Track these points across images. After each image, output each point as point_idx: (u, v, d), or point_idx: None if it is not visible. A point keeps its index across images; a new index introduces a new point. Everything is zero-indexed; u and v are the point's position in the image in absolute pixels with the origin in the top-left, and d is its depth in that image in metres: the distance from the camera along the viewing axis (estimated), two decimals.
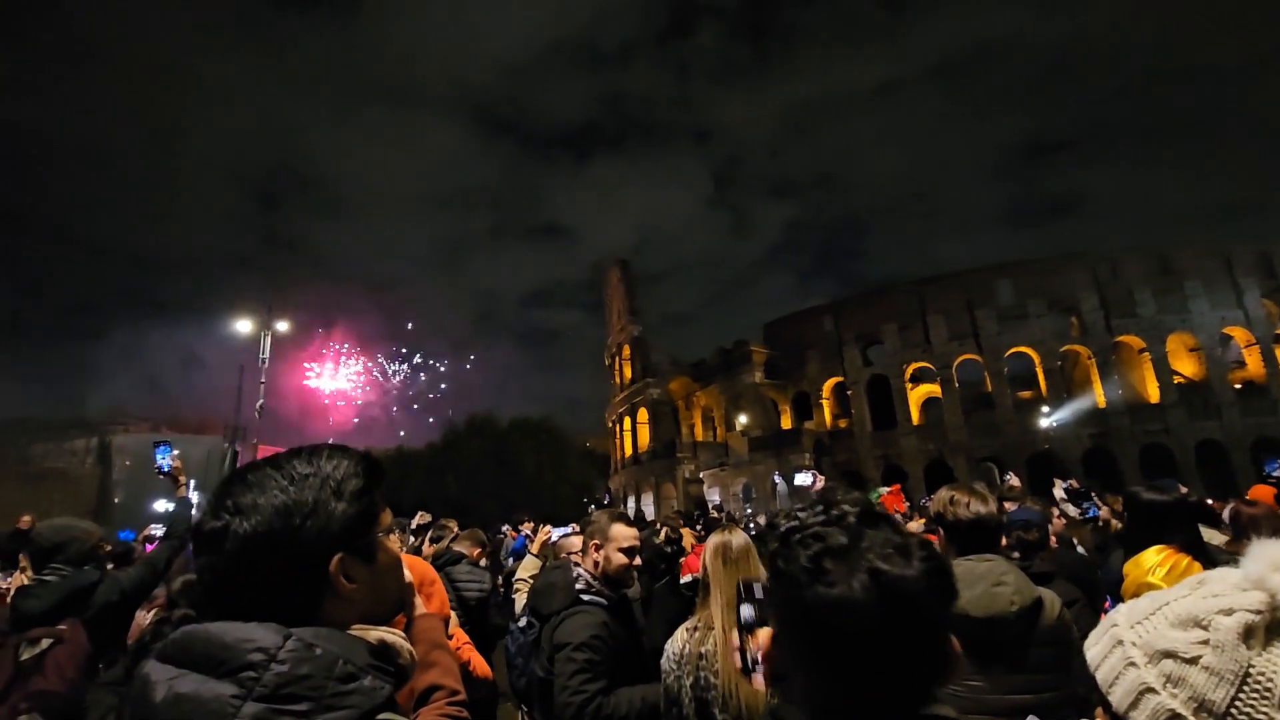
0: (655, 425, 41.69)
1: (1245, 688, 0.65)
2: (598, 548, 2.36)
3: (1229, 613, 0.68)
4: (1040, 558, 3.15)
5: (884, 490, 6.01)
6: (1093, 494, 5.73)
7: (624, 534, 2.34)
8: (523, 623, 3.38)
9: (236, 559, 0.76)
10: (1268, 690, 0.64)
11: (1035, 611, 1.84)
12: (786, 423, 37.52)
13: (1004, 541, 3.35)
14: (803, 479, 4.87)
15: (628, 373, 45.10)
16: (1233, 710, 0.65)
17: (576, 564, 2.49)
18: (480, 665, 2.04)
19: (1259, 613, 0.66)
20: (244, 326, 15.46)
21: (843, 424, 36.05)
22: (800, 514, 0.76)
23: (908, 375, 33.92)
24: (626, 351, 45.28)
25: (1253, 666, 0.65)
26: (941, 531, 2.06)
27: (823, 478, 4.46)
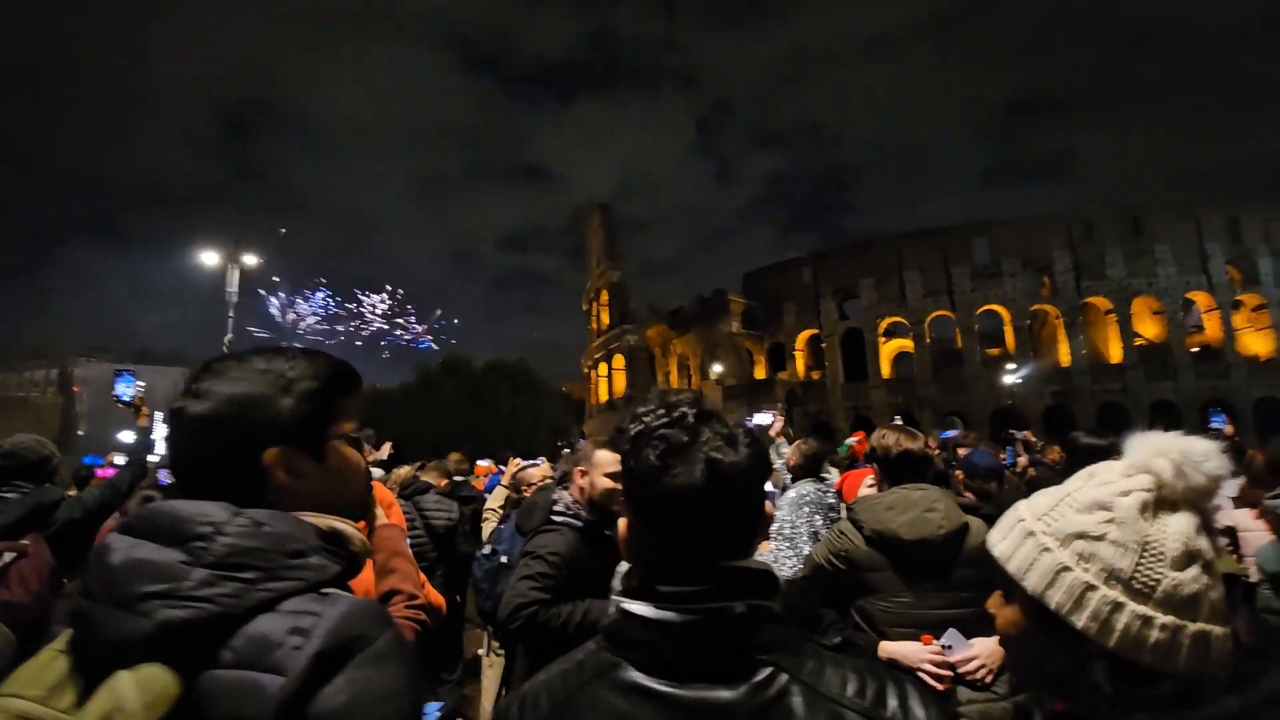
0: (631, 372, 41.91)
1: (1145, 554, 0.77)
2: (583, 474, 2.38)
3: (1127, 494, 0.80)
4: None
5: (852, 441, 6.25)
6: (1016, 439, 6.07)
7: (608, 459, 2.33)
8: (488, 549, 3.49)
9: (188, 438, 0.82)
10: (1161, 553, 0.76)
11: (961, 535, 1.99)
12: (761, 373, 37.99)
13: (963, 483, 3.59)
14: (762, 418, 5.02)
15: (605, 318, 44.96)
16: (1135, 573, 0.77)
17: (564, 488, 2.52)
18: (433, 595, 2.10)
19: (1150, 491, 0.79)
20: (210, 259, 14.98)
21: (815, 376, 36.61)
22: (645, 418, 0.82)
23: (881, 329, 34.37)
24: (605, 297, 45.01)
25: (1149, 536, 0.78)
26: (877, 465, 2.23)
27: (782, 418, 4.60)
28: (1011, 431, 7.27)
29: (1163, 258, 31.06)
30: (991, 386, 31.04)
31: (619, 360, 43.17)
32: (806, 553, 3.02)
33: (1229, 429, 8.68)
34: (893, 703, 0.69)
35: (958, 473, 4.63)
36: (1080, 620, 0.78)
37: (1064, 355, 31.53)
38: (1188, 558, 0.76)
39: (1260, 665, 0.77)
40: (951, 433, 8.57)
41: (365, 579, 1.56)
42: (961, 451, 5.99)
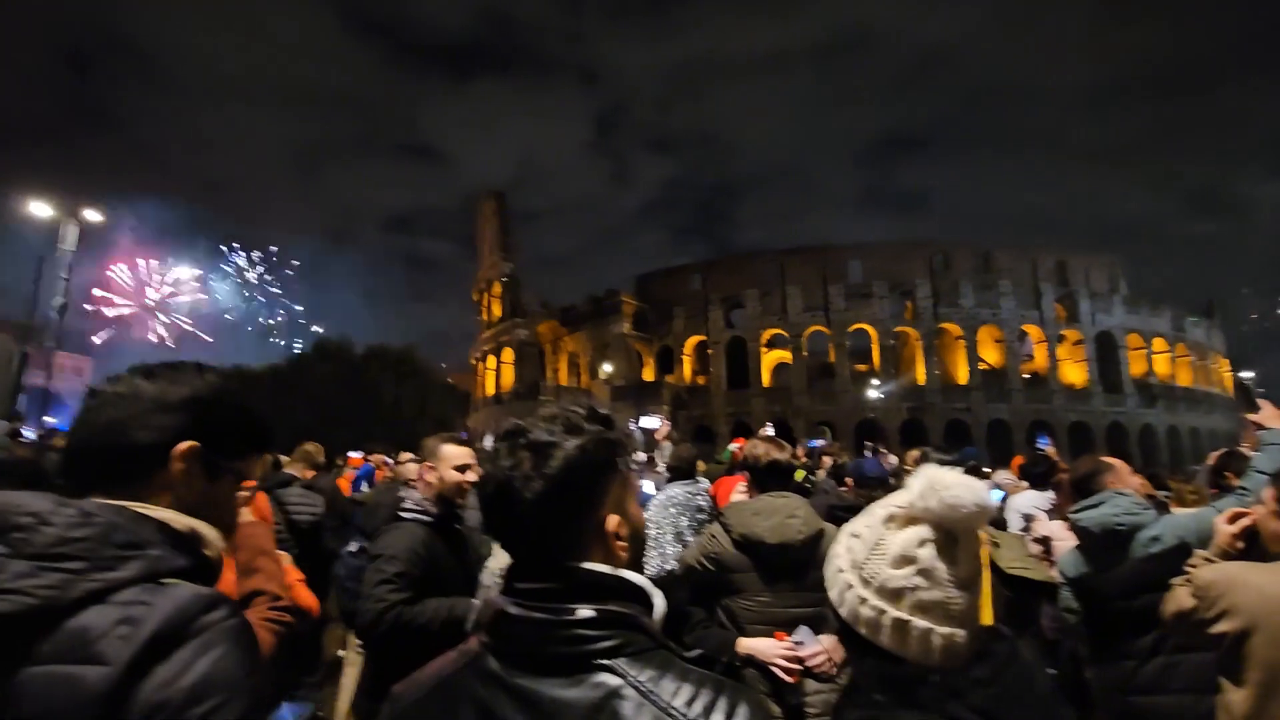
0: (520, 366, 41.27)
1: (874, 552, 0.99)
2: (431, 469, 2.37)
3: (885, 507, 1.03)
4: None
5: (734, 448, 6.50)
6: (879, 450, 6.65)
7: (455, 453, 2.34)
8: (354, 547, 3.38)
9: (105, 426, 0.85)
10: (884, 552, 0.98)
11: (818, 540, 2.18)
12: (649, 375, 38.70)
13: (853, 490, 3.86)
14: (649, 422, 5.13)
15: (496, 310, 44.00)
16: (865, 565, 0.99)
17: (412, 487, 2.48)
18: (305, 595, 1.99)
19: (901, 507, 1.00)
20: (41, 210, 13.04)
21: (701, 381, 37.83)
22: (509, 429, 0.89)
23: (764, 340, 36.14)
24: (497, 289, 44.05)
25: (883, 539, 0.99)
26: (747, 472, 2.42)
27: (669, 423, 4.74)
28: (868, 442, 7.98)
29: (1005, 292, 34.99)
30: (857, 400, 33.52)
31: (508, 354, 42.39)
32: (670, 552, 3.16)
33: (1051, 450, 9.79)
34: (717, 717, 0.70)
35: (848, 479, 5.02)
36: (832, 594, 1.01)
37: (920, 374, 34.65)
38: (903, 560, 0.95)
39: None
40: (818, 442, 9.18)
41: (227, 580, 1.49)
42: (827, 460, 6.44)
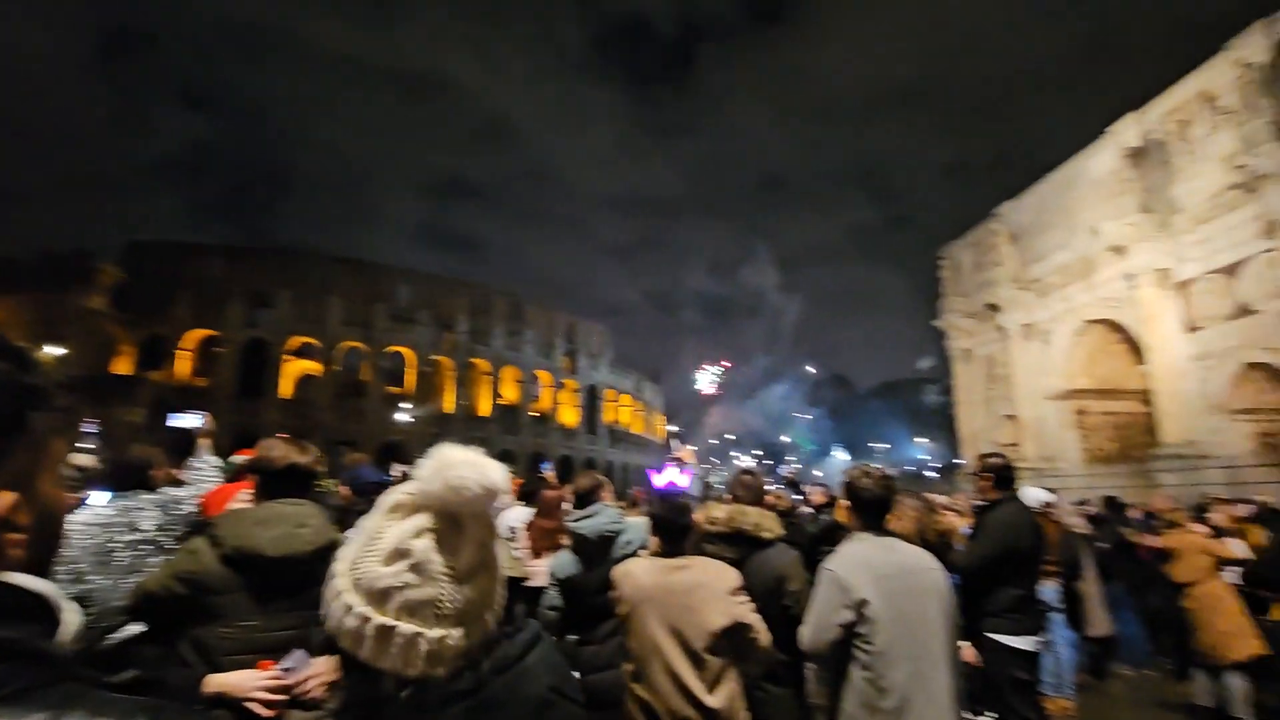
0: None
1: (368, 546, 0.84)
2: None
3: (392, 495, 0.89)
4: None
5: (240, 459, 6.21)
6: (396, 470, 7.52)
7: None
8: None
9: None
10: (378, 548, 0.83)
11: (329, 551, 1.80)
12: (126, 367, 30.71)
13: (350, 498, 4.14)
14: (187, 419, 4.35)
15: None
16: (356, 564, 0.84)
17: None
18: None
19: (409, 495, 0.87)
20: None
21: (201, 382, 31.94)
22: None
23: (290, 348, 32.97)
24: None
25: (379, 531, 0.85)
26: (257, 476, 2.17)
27: (210, 418, 3.97)
28: (392, 463, 8.69)
29: (528, 340, 40.60)
30: (386, 421, 33.49)
31: None
32: (94, 577, 2.59)
33: (550, 474, 11.75)
34: None
35: (343, 487, 5.33)
36: (324, 604, 0.82)
37: (449, 403, 36.86)
38: (397, 555, 0.81)
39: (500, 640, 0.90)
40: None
41: None
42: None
